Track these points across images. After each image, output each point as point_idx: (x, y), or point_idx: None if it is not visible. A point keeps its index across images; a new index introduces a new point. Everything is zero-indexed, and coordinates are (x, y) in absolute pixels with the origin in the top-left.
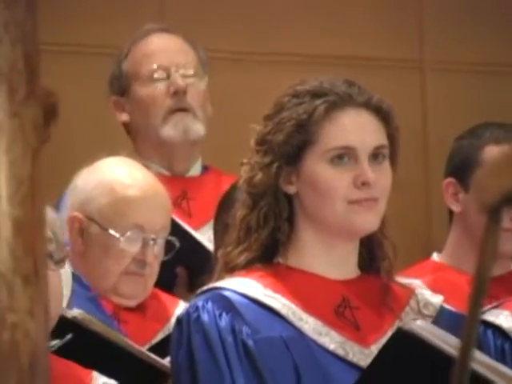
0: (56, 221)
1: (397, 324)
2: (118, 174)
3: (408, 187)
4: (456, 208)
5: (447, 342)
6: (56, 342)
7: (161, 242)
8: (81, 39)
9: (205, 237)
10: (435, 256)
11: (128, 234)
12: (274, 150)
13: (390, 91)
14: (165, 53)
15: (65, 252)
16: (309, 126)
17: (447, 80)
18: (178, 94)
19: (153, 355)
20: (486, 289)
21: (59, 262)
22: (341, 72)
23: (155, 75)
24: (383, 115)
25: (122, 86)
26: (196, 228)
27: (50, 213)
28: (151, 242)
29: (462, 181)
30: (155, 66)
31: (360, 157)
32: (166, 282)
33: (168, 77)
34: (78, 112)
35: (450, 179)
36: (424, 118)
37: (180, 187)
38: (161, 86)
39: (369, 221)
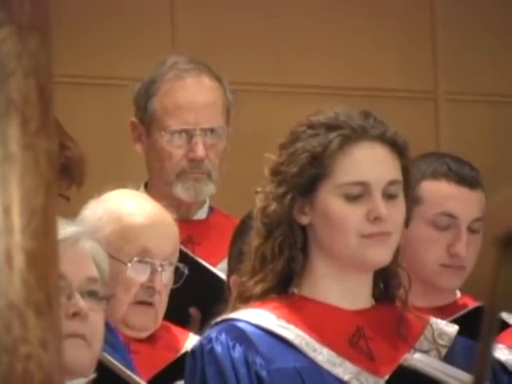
0: (102, 256)
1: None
2: (124, 203)
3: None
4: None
5: (449, 374)
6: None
7: (169, 269)
8: (96, 71)
9: None
10: None
11: (135, 259)
12: (288, 181)
13: (405, 121)
14: (191, 110)
15: (112, 289)
16: (323, 159)
17: (461, 110)
18: (196, 161)
19: None
20: (498, 322)
21: (103, 300)
22: (357, 103)
23: (177, 135)
24: (398, 149)
25: (143, 119)
26: None
27: (96, 250)
28: (159, 269)
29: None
30: (179, 128)
31: (373, 191)
32: (179, 322)
33: (190, 139)
34: (88, 144)
35: None
36: (438, 147)
37: (185, 231)
38: (180, 147)
39: (380, 254)
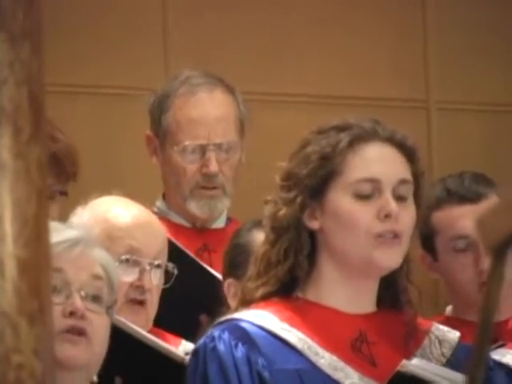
0: (111, 262)
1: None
2: (110, 207)
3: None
4: (436, 276)
5: (447, 378)
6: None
7: (158, 269)
8: (87, 80)
9: None
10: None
11: (122, 257)
12: (299, 184)
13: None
14: (204, 125)
15: (116, 297)
16: (333, 157)
17: (452, 119)
18: (209, 175)
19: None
20: (491, 328)
21: (110, 307)
22: (350, 112)
23: (190, 151)
24: (407, 151)
25: (158, 133)
26: None
27: (105, 255)
28: (148, 268)
29: (430, 251)
30: (192, 143)
31: (384, 190)
32: (190, 330)
33: (203, 154)
34: (80, 152)
35: (421, 251)
36: (429, 156)
37: (201, 240)
38: (194, 162)
39: (390, 258)
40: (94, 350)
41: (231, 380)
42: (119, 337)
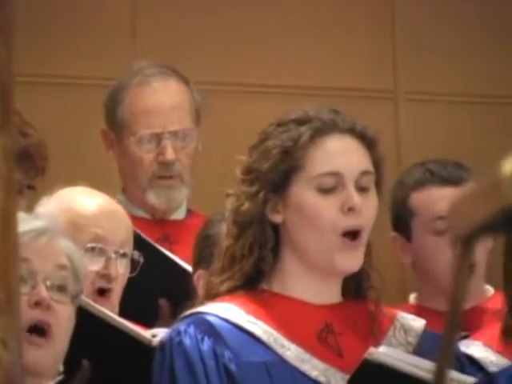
0: (76, 253)
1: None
2: (75, 196)
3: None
4: (406, 260)
5: (415, 365)
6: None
7: (124, 258)
8: (53, 70)
9: None
10: (412, 298)
11: (88, 246)
12: (261, 179)
13: (366, 121)
14: (159, 114)
15: (81, 286)
16: (294, 152)
17: (420, 110)
18: (166, 163)
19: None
20: (459, 318)
21: (75, 297)
22: (319, 102)
23: (146, 140)
24: (368, 142)
25: (113, 127)
26: None
27: (70, 245)
28: (113, 256)
29: (404, 232)
30: (147, 132)
31: (346, 183)
32: (149, 315)
33: (159, 142)
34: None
35: (393, 234)
36: (398, 146)
37: (161, 231)
38: (150, 151)
39: (351, 262)
40: (57, 348)
41: (198, 374)
42: (86, 319)
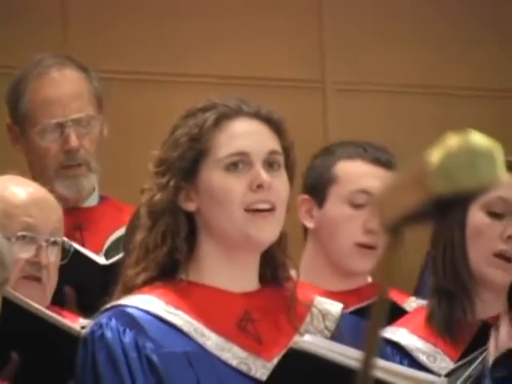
0: (2, 241)
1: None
2: (6, 185)
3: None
4: (310, 224)
5: (340, 353)
6: None
7: (55, 246)
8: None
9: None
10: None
11: (19, 234)
12: (171, 168)
13: (294, 110)
14: (59, 103)
15: (8, 274)
16: (200, 137)
17: (347, 99)
18: (71, 151)
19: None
20: (386, 304)
21: (1, 284)
22: (246, 92)
23: (49, 130)
24: (274, 125)
25: (17, 120)
26: None
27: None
28: (44, 244)
29: (317, 197)
30: (50, 122)
31: (254, 162)
32: (56, 301)
33: (62, 131)
34: None
35: (304, 196)
36: (326, 136)
37: (74, 219)
38: (55, 141)
39: (266, 231)
40: None
41: (120, 366)
42: (15, 312)
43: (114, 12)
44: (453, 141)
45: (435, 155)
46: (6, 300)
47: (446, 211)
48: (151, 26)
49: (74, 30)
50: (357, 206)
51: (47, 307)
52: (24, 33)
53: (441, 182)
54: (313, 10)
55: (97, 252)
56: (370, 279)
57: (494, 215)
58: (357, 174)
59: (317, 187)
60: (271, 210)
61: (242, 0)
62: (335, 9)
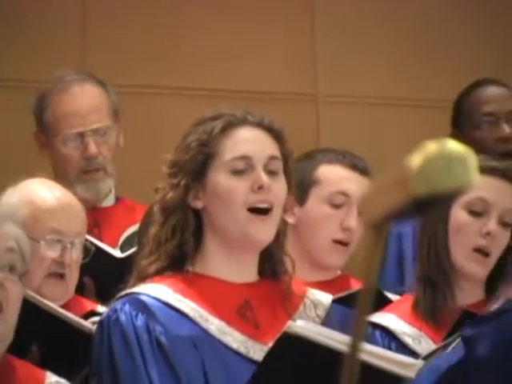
0: (22, 236)
1: (289, 322)
2: (35, 189)
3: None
4: (290, 219)
5: (331, 338)
6: None
7: (78, 246)
8: (4, 73)
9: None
10: None
11: (47, 237)
12: (182, 170)
13: (288, 123)
14: (80, 115)
15: (27, 267)
16: (209, 142)
17: (339, 112)
18: (90, 158)
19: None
20: (372, 293)
21: (22, 275)
22: (242, 105)
23: (71, 139)
24: (275, 134)
25: (43, 130)
26: None
27: (15, 228)
28: (69, 246)
29: (299, 197)
30: (71, 132)
31: (256, 165)
32: (77, 291)
33: (82, 141)
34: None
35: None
36: (317, 146)
37: (93, 218)
38: (75, 149)
39: (263, 232)
40: (8, 320)
41: (133, 347)
42: (35, 311)
43: (129, 31)
44: (431, 147)
45: (416, 160)
46: (25, 300)
47: (425, 210)
48: (163, 44)
49: (93, 46)
50: (335, 206)
51: (71, 299)
52: (44, 49)
53: (420, 184)
54: (306, 26)
55: (113, 246)
56: (339, 272)
57: (475, 214)
58: (337, 177)
59: (299, 187)
60: (269, 209)
61: (236, 16)
62: (327, 25)
